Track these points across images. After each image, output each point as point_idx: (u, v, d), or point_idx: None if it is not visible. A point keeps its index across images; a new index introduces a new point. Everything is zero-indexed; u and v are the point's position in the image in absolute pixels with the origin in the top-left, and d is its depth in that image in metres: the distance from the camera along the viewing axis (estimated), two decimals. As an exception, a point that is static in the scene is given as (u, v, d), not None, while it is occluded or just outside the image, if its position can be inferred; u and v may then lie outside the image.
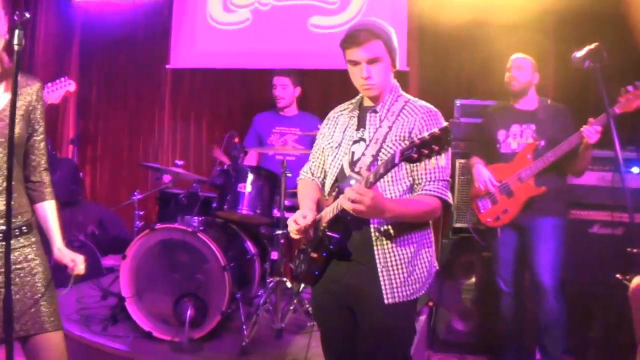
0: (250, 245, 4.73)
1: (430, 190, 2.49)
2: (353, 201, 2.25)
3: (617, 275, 2.66)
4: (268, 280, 4.55)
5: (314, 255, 2.63)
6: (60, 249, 2.69)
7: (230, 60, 6.42)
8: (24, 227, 2.55)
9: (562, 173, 4.15)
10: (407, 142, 2.40)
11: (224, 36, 6.49)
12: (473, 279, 4.86)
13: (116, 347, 4.05)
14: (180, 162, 5.02)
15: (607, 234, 4.50)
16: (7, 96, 2.43)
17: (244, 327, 4.16)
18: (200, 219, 4.43)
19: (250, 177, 4.46)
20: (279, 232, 4.44)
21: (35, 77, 2.56)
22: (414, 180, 2.53)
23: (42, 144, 2.62)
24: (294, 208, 4.31)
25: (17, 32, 1.98)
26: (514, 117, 4.20)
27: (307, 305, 4.63)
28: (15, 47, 1.99)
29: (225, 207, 4.41)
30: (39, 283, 2.56)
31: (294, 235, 2.64)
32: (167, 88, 6.91)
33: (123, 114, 7.04)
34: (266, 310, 4.43)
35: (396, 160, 2.16)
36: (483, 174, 4.15)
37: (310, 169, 2.92)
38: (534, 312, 4.26)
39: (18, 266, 2.52)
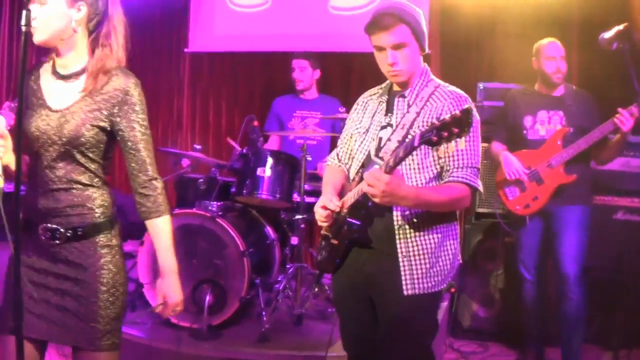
0: (269, 231, 4.66)
1: (458, 177, 2.41)
2: (370, 186, 2.22)
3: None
4: (288, 266, 4.50)
5: (335, 242, 2.59)
6: (162, 280, 2.36)
7: (250, 44, 6.29)
8: (79, 230, 2.25)
9: (588, 160, 4.07)
10: None
11: (243, 19, 6.36)
12: (496, 266, 4.80)
13: (134, 334, 4.02)
14: (198, 147, 4.93)
15: (631, 220, 4.44)
16: (81, 94, 2.22)
17: (264, 313, 4.12)
18: (218, 204, 4.39)
19: (270, 161, 4.39)
20: (299, 217, 4.41)
21: (130, 73, 2.30)
22: (442, 167, 2.46)
23: (141, 152, 2.28)
24: (314, 192, 4.54)
25: (24, 13, 1.85)
26: (541, 103, 4.10)
27: (328, 291, 4.56)
28: (23, 29, 1.87)
29: (244, 191, 4.35)
30: (103, 295, 2.27)
31: (322, 221, 2.59)
32: (185, 72, 6.85)
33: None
34: (286, 296, 4.38)
35: (415, 143, 2.12)
36: (512, 162, 4.05)
37: (337, 154, 2.87)
38: (556, 300, 4.22)
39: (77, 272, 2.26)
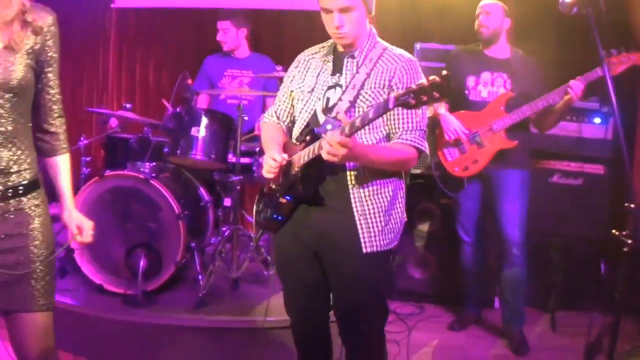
0: (203, 192, 4.53)
1: (407, 140, 2.45)
2: (330, 148, 2.20)
3: (614, 231, 2.47)
4: (223, 229, 4.38)
5: (283, 200, 2.57)
6: (70, 212, 2.35)
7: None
8: (20, 188, 2.18)
9: (528, 125, 4.03)
10: (385, 90, 2.43)
11: (172, -27, 6.03)
12: (430, 227, 4.76)
13: (65, 302, 3.83)
14: (128, 106, 4.69)
15: (567, 184, 4.49)
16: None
17: (200, 277, 4.03)
18: (151, 164, 4.27)
19: (204, 120, 4.20)
20: (235, 178, 4.27)
21: (48, 9, 2.21)
22: (389, 129, 2.50)
23: (55, 89, 2.26)
24: (249, 153, 4.42)
25: None
26: (485, 64, 4.00)
27: (265, 254, 4.50)
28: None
29: (178, 152, 4.16)
30: (34, 254, 2.20)
31: (269, 173, 2.53)
32: (112, 29, 6.47)
33: (66, 57, 6.41)
34: (222, 259, 4.25)
35: (390, 105, 2.11)
36: (451, 122, 3.95)
37: (275, 112, 2.81)
38: (495, 262, 4.19)
39: (14, 232, 2.18)
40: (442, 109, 3.99)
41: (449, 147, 4.05)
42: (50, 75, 2.21)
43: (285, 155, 2.49)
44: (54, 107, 2.26)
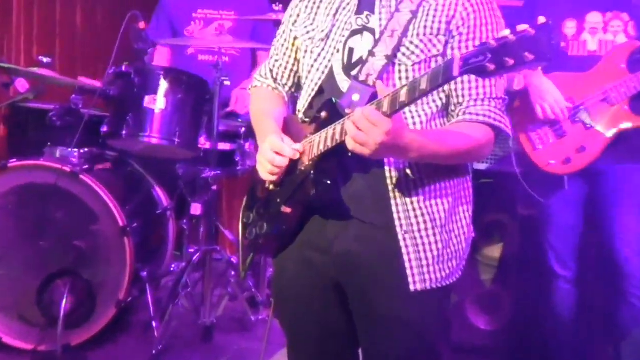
0: (161, 194, 4.54)
1: (478, 115, 2.34)
2: (358, 133, 2.09)
3: None
4: (190, 250, 4.46)
5: (287, 209, 2.46)
6: None
7: None
8: None
9: None
10: (442, 39, 2.34)
11: None
12: (502, 251, 4.54)
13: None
14: (46, 60, 4.57)
15: None
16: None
17: (154, 324, 4.02)
18: (82, 151, 4.25)
19: (164, 85, 4.17)
20: (209, 173, 4.24)
21: None
22: (449, 97, 2.40)
23: None
24: (231, 136, 4.46)
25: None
26: (591, 0, 3.80)
27: (253, 289, 4.52)
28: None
29: (124, 132, 4.12)
30: None
31: (270, 175, 2.43)
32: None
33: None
34: (187, 296, 4.30)
35: (454, 72, 1.92)
36: (547, 90, 3.73)
37: (270, 71, 2.77)
38: (603, 307, 4.03)
39: None
40: (539, 77, 3.78)
41: (538, 129, 3.81)
42: None
43: (299, 146, 2.41)
44: None
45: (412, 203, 2.37)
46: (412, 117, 2.36)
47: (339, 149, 2.25)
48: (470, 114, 2.34)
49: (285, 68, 2.73)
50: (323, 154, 2.33)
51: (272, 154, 2.38)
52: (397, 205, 2.37)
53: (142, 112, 4.14)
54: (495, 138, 2.38)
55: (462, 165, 2.48)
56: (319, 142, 2.34)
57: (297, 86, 2.72)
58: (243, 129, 4.34)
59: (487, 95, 2.35)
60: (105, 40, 5.55)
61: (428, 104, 2.37)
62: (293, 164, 2.43)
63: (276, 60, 2.74)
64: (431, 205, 2.39)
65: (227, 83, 4.26)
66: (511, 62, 1.84)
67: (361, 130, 2.06)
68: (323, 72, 2.49)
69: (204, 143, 4.29)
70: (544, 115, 3.72)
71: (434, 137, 2.29)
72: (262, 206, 2.58)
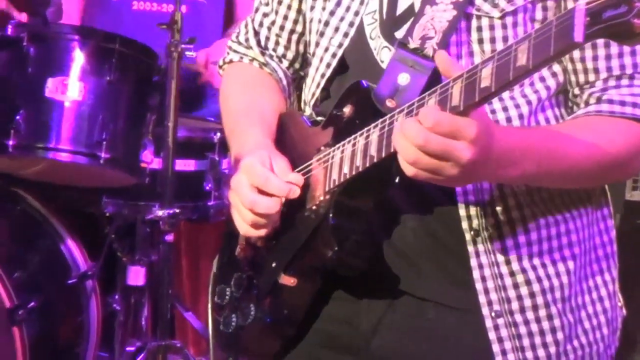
0: (75, 251, 3.77)
1: (623, 105, 1.84)
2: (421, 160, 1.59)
3: None
4: (127, 349, 3.75)
5: (288, 280, 1.97)
6: None
7: None
8: None
9: None
10: None
11: None
12: None
13: None
14: None
15: None
16: None
17: None
18: None
19: (80, 60, 3.48)
20: (163, 213, 3.46)
21: None
22: (566, 73, 1.88)
23: None
24: (197, 147, 3.92)
25: None
26: None
27: None
28: None
29: (11, 143, 3.45)
30: None
31: (251, 229, 1.93)
32: None
33: None
34: None
35: (577, 36, 1.39)
36: None
37: (255, 33, 2.25)
38: None
39: None
40: None
41: None
42: None
43: (298, 178, 1.93)
44: None
45: (507, 263, 1.89)
46: (503, 110, 1.90)
47: (377, 171, 1.77)
48: (609, 101, 1.85)
49: (282, 27, 2.25)
50: (348, 182, 1.83)
51: (251, 194, 1.87)
52: (480, 267, 1.88)
53: (42, 106, 3.48)
54: None
55: (596, 192, 2.05)
56: (341, 160, 1.85)
57: (303, 59, 2.24)
58: (218, 135, 3.59)
59: (637, 70, 1.87)
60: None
61: (529, 86, 1.91)
62: (296, 200, 1.96)
63: (265, 15, 2.25)
64: (542, 266, 1.90)
65: (191, 54, 3.66)
66: None
67: (428, 148, 1.55)
68: (346, 34, 2.00)
69: (150, 160, 3.51)
70: None
71: (547, 140, 1.79)
72: (246, 275, 2.10)
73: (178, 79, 3.43)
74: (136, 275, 3.66)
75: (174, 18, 3.43)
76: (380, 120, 1.73)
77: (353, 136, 1.83)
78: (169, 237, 3.58)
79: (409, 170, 1.62)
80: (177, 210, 3.49)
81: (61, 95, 3.41)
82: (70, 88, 3.40)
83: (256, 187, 1.90)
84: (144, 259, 3.66)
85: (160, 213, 3.47)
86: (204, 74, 4.04)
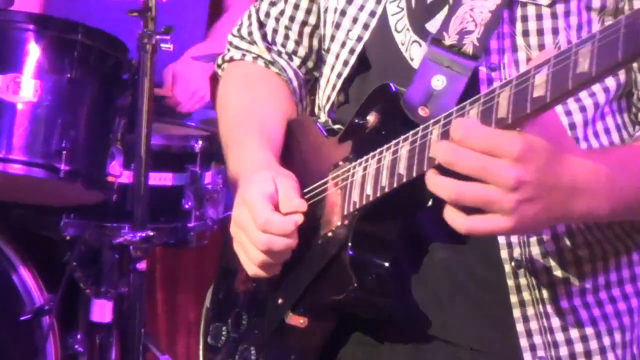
0: (29, 282, 3.62)
1: None
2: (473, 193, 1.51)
3: None
4: None
5: (297, 320, 1.93)
6: None
7: None
8: None
9: None
10: None
11: None
12: None
13: None
14: None
15: None
16: None
17: None
18: None
19: (35, 53, 3.36)
20: (134, 236, 3.35)
21: None
22: (632, 72, 1.80)
23: None
24: (174, 158, 3.77)
25: None
26: None
27: None
28: None
29: None
30: None
31: (260, 270, 1.87)
32: None
33: None
34: None
35: None
36: None
37: (260, 25, 2.18)
38: None
39: None
40: None
41: None
42: None
43: (301, 203, 1.87)
44: None
45: (552, 303, 1.87)
46: (575, 122, 1.88)
47: (406, 193, 1.72)
48: None
49: (292, 18, 2.15)
50: (371, 205, 1.77)
51: (257, 232, 1.82)
52: (522, 305, 1.82)
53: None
54: None
55: None
56: (363, 179, 1.80)
57: (317, 57, 2.12)
58: (200, 144, 3.42)
59: None
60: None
61: (595, 95, 1.86)
62: (308, 224, 1.89)
63: (273, 3, 2.15)
64: (597, 304, 1.84)
65: (167, 47, 3.30)
66: None
67: (460, 166, 1.47)
68: (366, 26, 1.96)
69: (118, 173, 3.34)
70: None
71: (621, 161, 1.67)
72: (247, 312, 2.09)
73: (152, 76, 3.26)
74: (102, 311, 3.50)
75: (147, 4, 3.23)
76: (412, 132, 1.62)
77: (378, 150, 1.75)
78: (141, 265, 3.38)
79: (460, 225, 1.49)
80: (151, 233, 3.33)
81: (12, 96, 3.26)
82: (24, 87, 3.27)
83: (263, 217, 1.84)
84: (111, 291, 3.51)
85: (130, 237, 3.32)
86: (172, 98, 3.89)
